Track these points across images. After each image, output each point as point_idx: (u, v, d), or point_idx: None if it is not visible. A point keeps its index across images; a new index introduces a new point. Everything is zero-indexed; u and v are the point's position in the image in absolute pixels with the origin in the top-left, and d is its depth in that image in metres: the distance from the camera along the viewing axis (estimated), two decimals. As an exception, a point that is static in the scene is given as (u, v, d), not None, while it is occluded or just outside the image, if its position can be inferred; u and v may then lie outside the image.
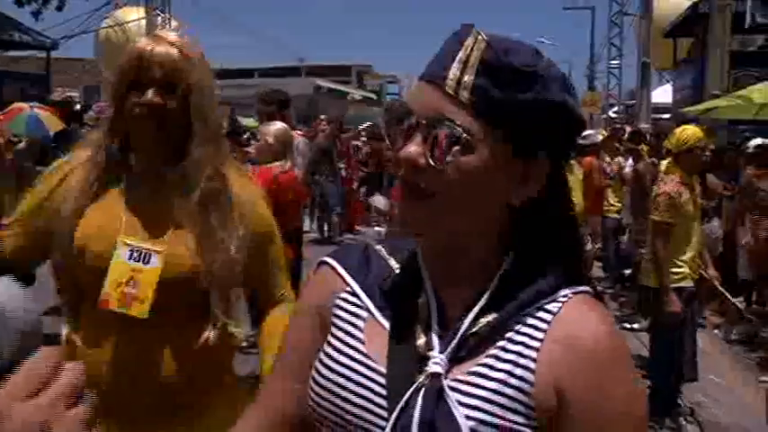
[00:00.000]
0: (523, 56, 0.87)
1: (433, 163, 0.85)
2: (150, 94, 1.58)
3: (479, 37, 0.86)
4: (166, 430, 1.64)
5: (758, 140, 7.13)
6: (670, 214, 4.34)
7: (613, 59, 21.74)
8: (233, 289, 1.69)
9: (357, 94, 33.28)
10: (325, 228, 11.53)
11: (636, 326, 6.81)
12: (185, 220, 1.62)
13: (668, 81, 19.80)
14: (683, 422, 4.62)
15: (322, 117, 12.16)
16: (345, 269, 0.99)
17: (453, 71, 0.85)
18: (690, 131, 4.55)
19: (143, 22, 17.10)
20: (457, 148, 0.84)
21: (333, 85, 28.61)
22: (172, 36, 1.65)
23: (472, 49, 0.86)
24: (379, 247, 1.01)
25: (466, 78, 0.85)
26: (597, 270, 8.96)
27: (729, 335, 6.63)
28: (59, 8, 17.97)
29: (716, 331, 6.79)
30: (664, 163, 4.86)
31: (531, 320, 0.88)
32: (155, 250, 1.60)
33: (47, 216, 1.66)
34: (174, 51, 1.61)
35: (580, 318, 0.87)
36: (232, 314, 1.68)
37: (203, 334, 1.61)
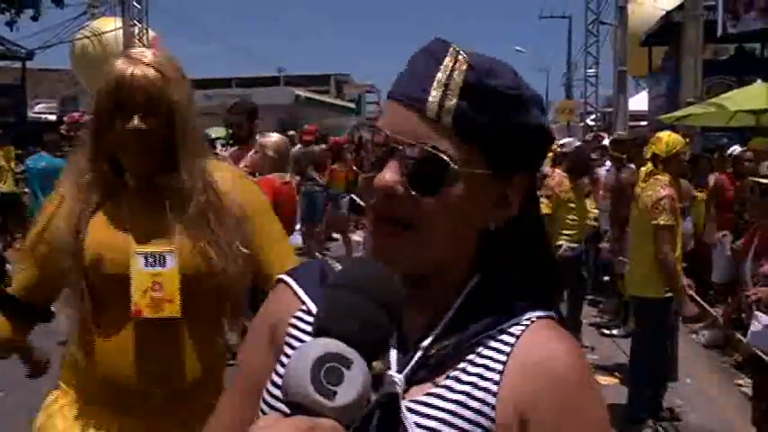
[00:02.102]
0: (505, 78, 0.83)
1: (415, 193, 0.81)
2: (136, 120, 1.62)
3: (459, 57, 0.82)
4: (181, 426, 1.72)
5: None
6: (674, 217, 4.39)
7: (590, 68, 21.94)
8: (244, 292, 1.78)
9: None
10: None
11: (615, 332, 6.87)
12: (188, 227, 1.68)
13: (644, 89, 20.04)
14: (662, 425, 4.67)
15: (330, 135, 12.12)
16: (301, 287, 0.95)
17: (434, 94, 0.81)
18: (675, 137, 4.68)
19: (120, 32, 17.00)
20: (441, 177, 0.81)
21: (312, 95, 28.56)
22: (148, 56, 1.66)
23: (452, 70, 0.81)
24: (337, 265, 0.96)
25: (448, 102, 0.81)
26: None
27: (705, 339, 6.70)
28: (35, 18, 17.83)
29: (692, 336, 6.87)
30: (643, 169, 4.86)
31: (493, 343, 0.85)
32: (167, 250, 1.67)
33: (49, 246, 1.73)
34: (153, 73, 1.63)
35: (544, 343, 0.85)
36: (240, 322, 1.79)
37: (219, 337, 1.73)
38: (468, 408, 0.82)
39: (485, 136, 0.82)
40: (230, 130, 4.83)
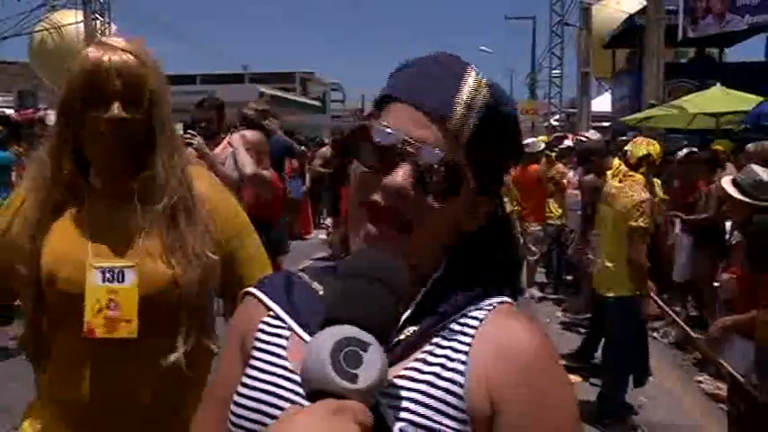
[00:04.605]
0: (511, 104, 0.93)
1: (424, 198, 0.86)
2: (116, 108, 1.48)
3: (481, 80, 0.90)
4: None
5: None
6: (651, 220, 4.44)
7: (554, 69, 22.22)
8: (208, 298, 1.65)
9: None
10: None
11: (582, 330, 6.92)
12: (154, 230, 1.55)
13: (607, 90, 20.35)
14: (628, 423, 4.72)
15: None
16: (267, 295, 0.99)
17: (459, 111, 0.87)
18: (657, 144, 4.77)
19: (81, 25, 16.65)
20: (455, 186, 0.87)
21: (277, 92, 28.39)
22: (122, 43, 1.54)
23: (476, 91, 0.88)
24: (301, 273, 1.01)
25: (470, 120, 0.87)
26: (540, 275, 9.09)
27: (666, 338, 6.81)
28: (-10, 9, 17.32)
29: (654, 334, 6.97)
30: (610, 172, 4.92)
31: (458, 327, 0.89)
32: (127, 266, 1.53)
33: (7, 251, 1.58)
34: (131, 59, 1.51)
35: (508, 325, 0.89)
36: (207, 325, 1.64)
37: (174, 352, 1.55)
38: (437, 387, 0.84)
39: (487, 153, 0.90)
40: (201, 125, 4.77)
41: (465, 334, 0.88)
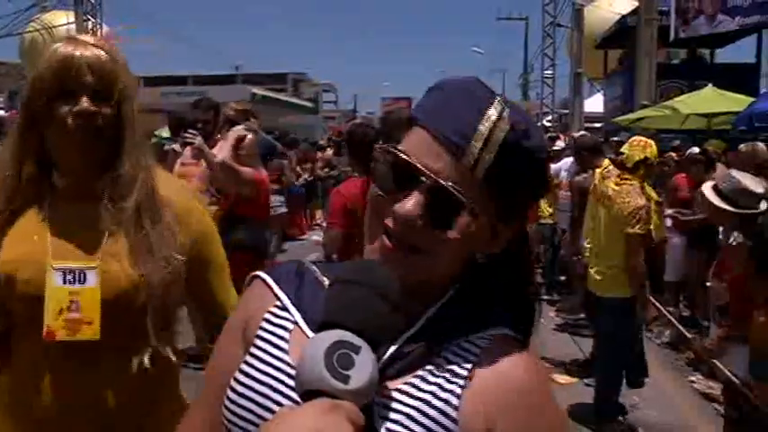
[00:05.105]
0: (537, 139, 0.89)
1: (434, 231, 0.86)
2: (85, 102, 1.46)
3: (504, 114, 0.86)
4: None
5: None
6: (648, 226, 4.39)
7: (547, 69, 22.27)
8: (175, 302, 1.59)
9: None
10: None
11: (575, 331, 6.93)
12: (119, 231, 1.51)
13: (599, 90, 20.42)
14: (622, 422, 4.73)
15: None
16: (277, 284, 0.98)
17: (474, 145, 0.85)
18: (654, 145, 4.67)
19: (72, 26, 16.60)
20: (463, 220, 0.86)
21: (269, 93, 28.32)
22: (91, 38, 1.53)
23: (495, 126, 0.85)
24: (313, 267, 1.00)
25: (486, 157, 0.85)
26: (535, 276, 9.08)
27: (660, 338, 6.83)
28: (-20, 10, 17.26)
29: (648, 334, 6.99)
30: (599, 171, 4.84)
31: (460, 351, 0.90)
32: (88, 267, 1.49)
33: None
34: (102, 54, 1.49)
35: (509, 357, 0.90)
36: (173, 330, 1.60)
37: (138, 356, 1.51)
38: (432, 406, 0.85)
39: (506, 190, 0.88)
40: (198, 126, 4.76)
41: (466, 360, 0.89)
